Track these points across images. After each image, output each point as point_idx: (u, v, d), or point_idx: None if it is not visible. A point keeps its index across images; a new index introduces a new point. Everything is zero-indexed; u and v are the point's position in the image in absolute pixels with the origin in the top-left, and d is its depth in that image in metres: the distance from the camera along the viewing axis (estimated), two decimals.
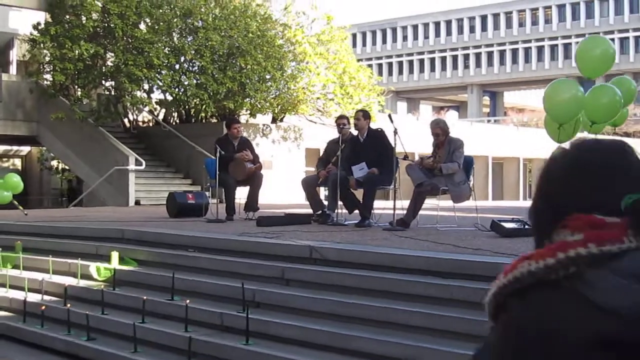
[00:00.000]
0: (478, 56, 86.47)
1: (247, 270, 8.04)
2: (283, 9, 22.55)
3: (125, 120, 23.12)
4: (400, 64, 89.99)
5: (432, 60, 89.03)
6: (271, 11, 22.25)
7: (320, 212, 11.14)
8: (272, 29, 21.37)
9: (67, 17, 19.68)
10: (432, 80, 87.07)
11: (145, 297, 7.75)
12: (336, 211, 10.82)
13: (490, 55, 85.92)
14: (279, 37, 21.42)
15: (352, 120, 11.35)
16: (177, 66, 19.78)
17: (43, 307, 8.40)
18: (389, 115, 10.55)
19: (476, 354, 1.52)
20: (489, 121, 69.64)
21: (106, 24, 19.49)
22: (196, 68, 20.04)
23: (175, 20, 19.67)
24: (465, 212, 10.98)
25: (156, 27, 19.38)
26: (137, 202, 19.35)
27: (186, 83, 19.62)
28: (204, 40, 19.26)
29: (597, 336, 1.35)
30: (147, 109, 22.90)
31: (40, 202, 28.86)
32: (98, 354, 7.53)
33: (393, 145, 10.11)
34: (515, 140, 36.03)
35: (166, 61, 19.43)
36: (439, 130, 10.40)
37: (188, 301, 7.37)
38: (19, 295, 9.32)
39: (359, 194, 11.18)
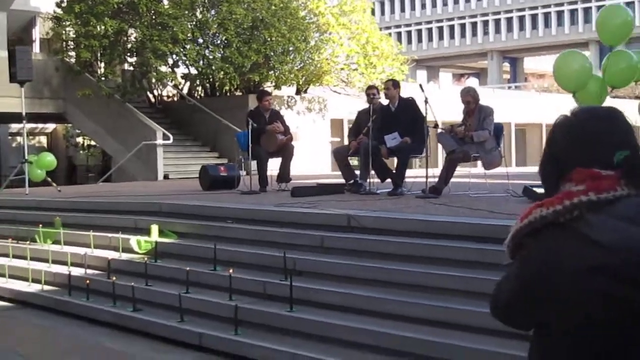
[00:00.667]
0: (497, 22, 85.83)
1: (287, 239, 8.20)
2: None
3: (150, 95, 23.30)
4: (419, 32, 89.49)
5: (451, 27, 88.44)
6: None
7: (352, 181, 11.28)
8: (294, 1, 21.40)
9: None
10: (452, 47, 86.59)
11: (188, 268, 7.93)
12: (368, 180, 10.95)
13: (509, 21, 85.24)
14: (301, 8, 21.44)
15: (381, 90, 11.47)
16: (201, 40, 19.87)
17: (88, 281, 8.61)
18: (420, 85, 10.63)
19: (499, 282, 2.09)
20: (509, 88, 69.23)
21: (130, 0, 19.57)
22: (219, 42, 20.12)
23: None
24: (495, 179, 11.08)
25: (180, 1, 19.45)
26: (166, 177, 19.55)
27: (211, 57, 19.72)
28: (227, 14, 19.33)
29: (590, 263, 1.78)
30: (172, 83, 23.05)
31: (68, 178, 29.10)
32: (145, 324, 7.74)
33: (424, 114, 10.22)
34: (538, 106, 35.93)
35: (191, 36, 19.53)
36: (470, 98, 10.50)
37: (231, 270, 7.54)
38: (62, 269, 9.53)
39: (390, 163, 11.34)
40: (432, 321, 6.27)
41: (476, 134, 10.09)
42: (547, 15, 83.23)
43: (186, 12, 19.53)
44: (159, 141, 19.54)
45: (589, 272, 1.79)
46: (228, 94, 22.68)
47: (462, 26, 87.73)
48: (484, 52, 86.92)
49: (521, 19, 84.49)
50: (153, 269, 8.57)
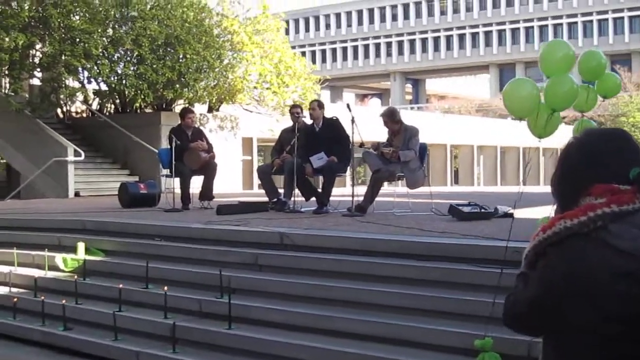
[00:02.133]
0: (400, 44, 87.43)
1: (219, 257, 8.19)
2: None
3: (59, 111, 22.86)
4: (323, 52, 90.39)
5: (355, 48, 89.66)
6: (206, 0, 22.21)
7: (275, 199, 11.35)
8: (209, 18, 21.37)
9: (2, 7, 19.29)
10: (356, 68, 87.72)
11: (121, 286, 7.84)
12: (292, 198, 11.03)
13: (412, 42, 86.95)
14: (215, 26, 21.42)
15: (306, 110, 11.60)
16: (115, 56, 19.62)
17: (15, 299, 8.41)
18: (347, 105, 10.81)
19: (511, 293, 2.28)
20: (412, 108, 70.52)
21: (41, 14, 19.18)
22: (133, 58, 19.90)
23: (112, 10, 19.50)
24: (417, 198, 11.30)
25: (93, 17, 19.15)
26: (77, 194, 19.20)
27: (124, 73, 19.49)
28: (141, 30, 19.16)
29: (614, 269, 1.98)
30: (81, 99, 22.66)
31: None
32: (77, 343, 7.61)
33: (350, 132, 10.38)
34: (441, 126, 36.71)
35: (104, 51, 19.27)
36: (386, 118, 10.65)
37: (166, 288, 7.49)
38: None
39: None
40: (373, 337, 6.36)
41: (403, 154, 10.27)
42: (449, 38, 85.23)
43: (99, 27, 19.25)
44: (70, 158, 19.18)
45: (613, 277, 2.00)
46: (138, 110, 22.45)
47: (366, 47, 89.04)
48: (387, 73, 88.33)
49: (424, 41, 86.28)
50: (82, 287, 8.42)
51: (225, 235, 8.56)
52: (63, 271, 9.05)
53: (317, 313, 6.83)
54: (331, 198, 10.95)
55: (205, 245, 8.53)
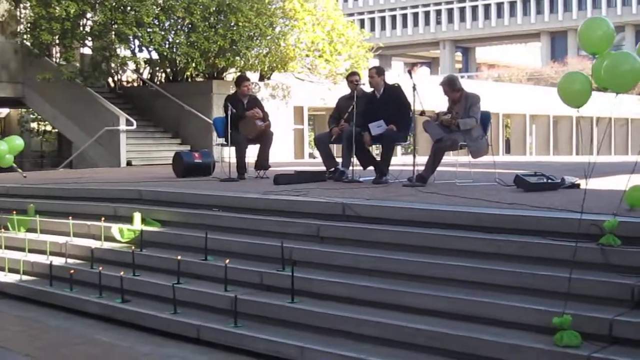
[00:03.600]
0: (450, 12, 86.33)
1: (279, 228, 7.95)
2: None
3: (110, 80, 22.80)
4: (372, 20, 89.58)
5: (404, 16, 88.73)
6: None
7: (333, 169, 11.09)
8: None
9: None
10: (405, 36, 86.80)
11: (179, 257, 7.64)
12: (351, 168, 10.75)
13: (462, 10, 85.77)
14: None
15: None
16: (167, 24, 19.41)
17: (72, 271, 8.26)
18: (409, 71, 10.48)
19: None
20: (462, 77, 69.64)
21: None
22: (185, 26, 19.69)
23: None
24: (478, 167, 10.96)
25: None
26: (129, 163, 19.16)
27: (177, 41, 19.29)
28: None
29: None
30: (132, 68, 22.58)
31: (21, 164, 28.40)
32: (135, 315, 7.43)
33: (411, 101, 10.04)
34: (493, 95, 36.04)
35: (156, 20, 19.09)
36: (446, 87, 10.29)
37: (228, 261, 7.28)
38: (40, 259, 9.18)
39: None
40: (444, 312, 6.08)
41: (462, 122, 9.91)
42: (499, 6, 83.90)
43: None
44: (122, 127, 19.12)
45: None
46: (189, 79, 22.30)
47: (415, 15, 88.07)
48: (436, 41, 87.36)
49: (474, 8, 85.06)
50: (139, 258, 8.24)
51: (285, 206, 8.31)
52: (119, 242, 8.89)
53: (384, 287, 6.54)
54: (391, 167, 10.65)
55: (265, 216, 8.28)
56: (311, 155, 34.38)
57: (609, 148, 46.51)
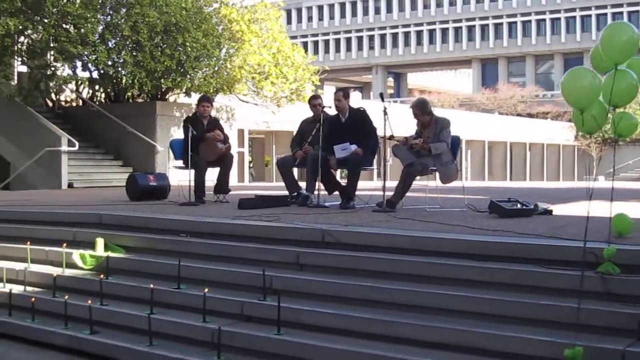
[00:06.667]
0: (383, 37, 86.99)
1: (256, 255, 7.63)
2: None
3: (47, 99, 22.19)
4: (305, 44, 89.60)
5: (337, 40, 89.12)
6: None
7: (296, 193, 10.81)
8: (206, 6, 20.74)
9: None
10: (338, 60, 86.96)
11: (152, 286, 7.25)
12: (315, 192, 10.49)
13: (394, 36, 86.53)
14: (214, 14, 20.78)
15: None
16: (112, 42, 18.90)
17: (33, 299, 7.79)
18: (381, 94, 10.28)
19: None
20: (394, 102, 70.12)
21: None
22: (131, 45, 19.20)
23: None
24: (444, 193, 10.81)
25: (88, 2, 18.43)
26: (70, 185, 18.56)
27: (121, 61, 18.79)
28: (140, 17, 18.49)
29: None
30: (72, 87, 22.01)
31: None
32: (107, 348, 6.97)
33: (381, 124, 9.83)
34: None
35: (100, 38, 18.57)
36: (417, 110, 10.15)
37: (207, 290, 6.92)
38: None
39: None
40: (441, 344, 5.83)
41: (434, 146, 9.75)
42: (431, 32, 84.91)
43: (95, 13, 18.53)
44: (64, 148, 18.52)
45: None
46: (130, 100, 21.83)
47: (348, 40, 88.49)
48: (369, 66, 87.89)
49: (406, 34, 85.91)
50: (106, 286, 7.80)
51: (261, 232, 7.98)
52: (82, 269, 8.44)
53: (374, 317, 6.26)
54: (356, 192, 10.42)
55: (239, 242, 7.95)
56: (251, 178, 34.20)
57: (541, 174, 47.34)
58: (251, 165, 35.69)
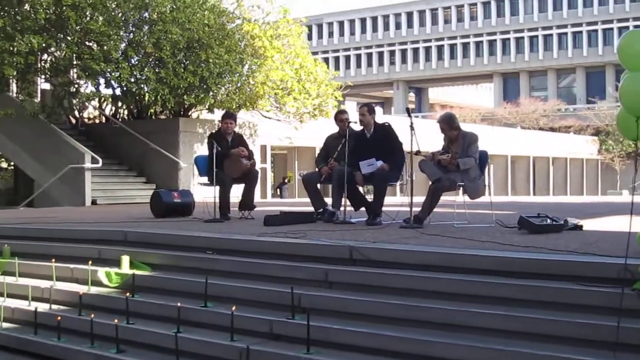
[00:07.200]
0: (404, 52, 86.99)
1: (283, 272, 7.53)
2: (235, 2, 21.92)
3: (71, 116, 22.26)
4: (326, 60, 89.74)
5: (358, 56, 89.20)
6: (224, 5, 21.59)
7: (321, 209, 10.71)
8: (229, 22, 20.76)
9: (16, 8, 18.59)
10: (359, 76, 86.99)
11: (179, 304, 7.16)
12: (342, 208, 10.38)
13: (415, 51, 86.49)
14: (236, 30, 20.78)
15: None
16: (135, 59, 18.93)
17: (59, 318, 7.71)
18: (407, 109, 10.16)
19: None
20: (416, 117, 70.10)
21: (58, 16, 18.46)
22: (153, 62, 19.22)
23: (131, 12, 18.83)
24: (471, 209, 10.66)
25: (112, 19, 18.50)
26: (94, 202, 18.57)
27: (144, 78, 18.80)
28: (162, 34, 18.52)
29: None
30: (97, 104, 22.09)
31: None
32: None
33: (408, 140, 9.71)
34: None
35: (123, 55, 18.62)
36: (444, 125, 10.04)
37: (235, 307, 6.82)
38: (21, 304, 8.59)
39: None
40: None
41: (462, 162, 9.62)
42: (452, 47, 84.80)
43: (118, 30, 18.59)
44: (87, 165, 18.54)
45: None
46: (153, 117, 21.86)
47: (369, 55, 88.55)
48: (390, 81, 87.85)
49: (427, 49, 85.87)
50: (132, 304, 7.72)
51: (289, 249, 7.89)
52: (107, 287, 8.37)
53: (406, 336, 6.14)
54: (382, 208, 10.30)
55: (266, 260, 7.85)
56: (275, 195, 34.05)
57: (564, 188, 46.99)
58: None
